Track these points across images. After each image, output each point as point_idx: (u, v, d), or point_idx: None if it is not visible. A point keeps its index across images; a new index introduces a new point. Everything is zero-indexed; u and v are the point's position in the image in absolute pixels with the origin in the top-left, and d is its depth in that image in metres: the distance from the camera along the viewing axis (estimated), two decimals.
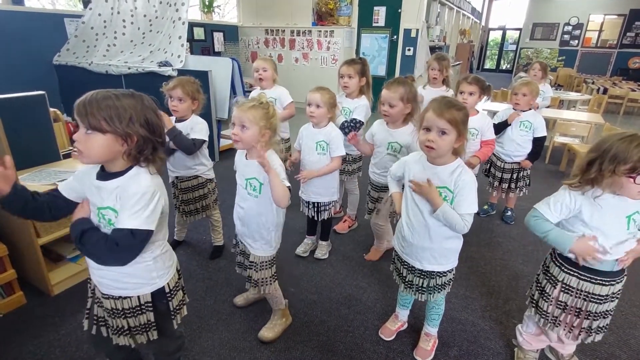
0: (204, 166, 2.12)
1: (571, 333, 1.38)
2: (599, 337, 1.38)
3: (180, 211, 2.20)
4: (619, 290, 1.33)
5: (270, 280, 1.62)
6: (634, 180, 1.13)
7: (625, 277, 1.34)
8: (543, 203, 1.33)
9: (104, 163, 1.05)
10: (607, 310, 1.34)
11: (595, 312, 1.32)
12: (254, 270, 1.58)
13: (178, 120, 2.02)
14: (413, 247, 1.45)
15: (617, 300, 1.35)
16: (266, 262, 1.59)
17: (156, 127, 1.05)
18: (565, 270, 1.34)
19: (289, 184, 1.41)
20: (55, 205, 1.12)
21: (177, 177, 2.12)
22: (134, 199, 1.01)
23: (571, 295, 1.33)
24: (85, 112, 0.96)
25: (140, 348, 1.34)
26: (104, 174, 1.06)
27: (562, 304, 1.36)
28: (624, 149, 1.12)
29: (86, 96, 0.98)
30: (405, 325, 1.81)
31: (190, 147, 1.97)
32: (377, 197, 2.18)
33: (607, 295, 1.30)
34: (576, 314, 1.35)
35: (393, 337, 1.75)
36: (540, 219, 1.31)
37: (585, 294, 1.31)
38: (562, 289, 1.35)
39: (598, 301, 1.31)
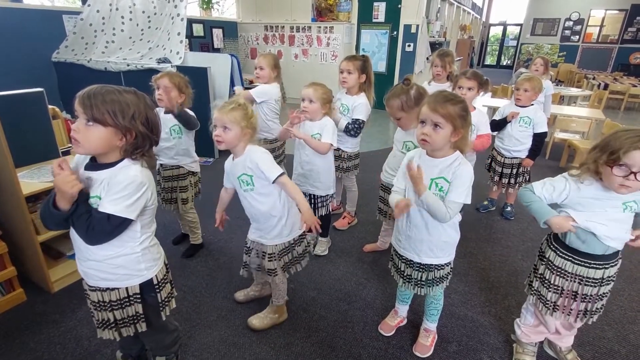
0: (188, 157, 2.14)
1: (569, 315, 1.41)
2: (593, 319, 1.41)
3: (160, 197, 2.19)
4: (615, 273, 1.35)
5: (285, 267, 1.68)
6: (612, 170, 1.15)
7: (620, 260, 1.36)
8: (539, 181, 1.37)
9: (98, 155, 1.07)
10: (602, 293, 1.36)
11: (591, 295, 1.35)
12: (275, 260, 1.63)
13: (166, 113, 2.01)
14: (411, 240, 1.45)
15: (612, 284, 1.37)
16: (284, 249, 1.65)
17: (154, 126, 1.09)
18: (560, 254, 1.36)
19: (282, 170, 1.49)
20: None
21: (161, 165, 2.15)
22: (119, 187, 1.03)
23: (567, 279, 1.36)
24: (90, 103, 0.97)
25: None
26: (95, 165, 1.08)
27: (558, 288, 1.39)
28: (619, 137, 1.15)
29: (90, 89, 1.00)
30: (405, 321, 1.81)
31: (194, 120, 2.05)
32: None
33: (601, 279, 1.33)
34: (573, 297, 1.38)
35: (392, 332, 1.76)
36: (529, 191, 1.36)
37: (580, 277, 1.34)
38: (558, 274, 1.38)
39: (593, 284, 1.34)
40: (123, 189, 1.03)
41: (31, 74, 4.31)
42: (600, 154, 1.18)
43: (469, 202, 1.32)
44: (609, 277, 1.34)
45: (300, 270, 1.75)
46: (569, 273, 1.35)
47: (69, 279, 1.98)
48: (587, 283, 1.34)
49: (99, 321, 1.22)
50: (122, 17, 4.36)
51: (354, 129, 2.31)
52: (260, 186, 1.51)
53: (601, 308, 1.40)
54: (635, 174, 1.11)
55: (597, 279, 1.32)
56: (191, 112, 2.08)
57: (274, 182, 1.48)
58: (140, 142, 1.06)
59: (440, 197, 1.33)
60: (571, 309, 1.39)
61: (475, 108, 2.35)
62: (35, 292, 1.92)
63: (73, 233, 1.13)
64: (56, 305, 1.86)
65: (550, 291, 1.41)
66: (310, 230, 1.58)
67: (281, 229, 1.60)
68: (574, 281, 1.35)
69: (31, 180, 1.91)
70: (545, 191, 1.32)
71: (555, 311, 1.42)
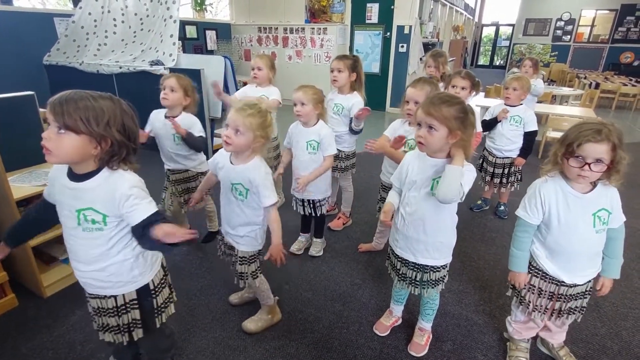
0: (192, 161, 2.17)
1: (545, 315, 1.44)
2: (576, 318, 1.44)
3: (173, 202, 2.25)
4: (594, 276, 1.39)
5: (255, 274, 1.63)
6: (567, 162, 1.20)
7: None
8: (521, 208, 1.38)
9: (72, 164, 1.03)
10: (582, 292, 1.39)
11: (568, 295, 1.38)
12: (246, 264, 1.59)
13: (170, 116, 2.05)
14: (408, 240, 1.46)
15: (592, 282, 1.40)
16: (254, 256, 1.61)
17: (132, 133, 1.04)
18: (540, 259, 1.40)
19: (276, 199, 1.45)
20: (45, 214, 1.15)
21: (169, 169, 2.18)
22: (134, 195, 1.03)
23: (545, 281, 1.39)
24: (62, 110, 0.93)
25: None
26: (76, 175, 1.04)
27: (534, 288, 1.42)
28: (576, 130, 1.18)
29: (62, 94, 0.96)
30: (400, 321, 1.82)
31: (201, 145, 2.08)
32: None
33: (577, 283, 1.37)
34: (549, 297, 1.41)
35: (387, 332, 1.76)
36: (522, 233, 1.39)
37: (558, 280, 1.37)
38: (535, 274, 1.41)
39: (569, 285, 1.37)
40: (138, 194, 1.04)
41: (22, 77, 4.27)
42: (559, 146, 1.22)
43: (466, 191, 1.27)
44: (589, 280, 1.38)
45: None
46: (547, 275, 1.39)
47: (62, 284, 1.96)
48: (563, 284, 1.37)
49: (99, 325, 1.22)
50: (114, 20, 4.34)
51: (357, 125, 2.36)
52: (252, 201, 1.48)
53: (583, 308, 1.42)
54: (589, 164, 1.16)
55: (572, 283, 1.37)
56: (200, 131, 2.08)
57: (264, 207, 1.47)
58: (117, 150, 1.01)
59: None
60: (554, 309, 1.42)
61: None
62: (27, 297, 1.90)
63: (66, 246, 1.11)
64: (49, 310, 1.84)
65: (528, 292, 1.44)
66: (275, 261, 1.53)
67: (255, 236, 1.57)
68: (551, 282, 1.38)
69: (22, 184, 1.89)
70: (532, 213, 1.34)
71: (534, 311, 1.45)
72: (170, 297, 1.31)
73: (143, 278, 1.18)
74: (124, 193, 1.02)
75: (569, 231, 1.28)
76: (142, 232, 1.04)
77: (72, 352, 1.61)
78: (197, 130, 2.07)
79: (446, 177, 1.24)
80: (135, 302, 1.19)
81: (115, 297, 1.16)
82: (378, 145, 1.81)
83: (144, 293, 1.20)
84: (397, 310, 1.80)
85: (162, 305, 1.26)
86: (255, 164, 1.45)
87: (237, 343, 1.69)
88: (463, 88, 2.28)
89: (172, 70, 3.75)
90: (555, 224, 1.30)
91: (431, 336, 1.71)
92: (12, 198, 1.71)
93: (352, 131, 2.38)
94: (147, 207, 1.04)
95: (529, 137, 2.64)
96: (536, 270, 1.41)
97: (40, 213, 1.17)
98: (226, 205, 1.56)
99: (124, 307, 1.17)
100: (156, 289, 1.23)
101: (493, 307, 1.95)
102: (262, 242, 1.61)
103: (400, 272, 1.55)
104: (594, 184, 1.25)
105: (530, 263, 1.43)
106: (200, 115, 3.68)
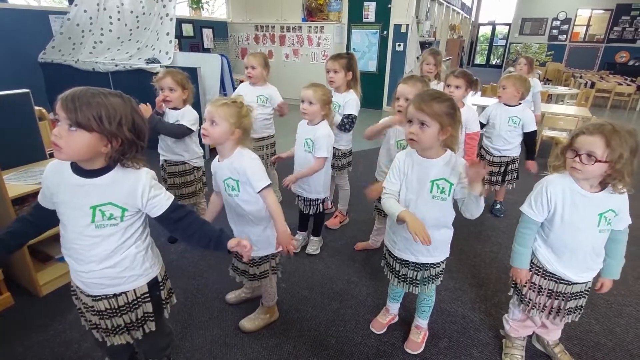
0: (192, 153, 2.19)
1: (543, 313, 1.45)
2: (574, 318, 1.45)
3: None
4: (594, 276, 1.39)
5: (266, 274, 1.63)
6: (565, 154, 1.24)
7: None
8: (526, 204, 1.39)
9: (81, 161, 1.01)
10: (580, 292, 1.40)
11: (566, 293, 1.39)
12: (256, 266, 1.59)
13: (172, 109, 2.09)
14: (407, 241, 1.45)
15: (590, 282, 1.41)
16: (264, 257, 1.60)
17: (141, 131, 1.04)
18: (540, 255, 1.41)
19: (269, 182, 1.43)
20: (41, 220, 1.12)
21: (165, 160, 2.19)
22: (155, 186, 1.09)
23: (545, 278, 1.41)
24: (74, 107, 0.91)
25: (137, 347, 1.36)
26: (86, 171, 1.02)
27: (535, 286, 1.43)
28: (580, 129, 1.21)
29: (74, 91, 0.94)
30: (396, 319, 1.82)
31: (175, 130, 2.06)
32: None
33: (577, 281, 1.38)
34: (548, 295, 1.42)
35: (384, 330, 1.77)
36: (525, 229, 1.40)
37: (557, 277, 1.38)
38: (536, 272, 1.42)
39: (567, 282, 1.38)
40: (155, 187, 1.08)
41: (17, 74, 4.23)
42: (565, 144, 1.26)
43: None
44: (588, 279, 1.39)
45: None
46: (548, 273, 1.40)
47: (58, 282, 1.96)
48: (561, 282, 1.38)
49: (109, 329, 1.18)
50: (110, 17, 4.32)
51: (348, 123, 2.34)
52: (246, 193, 1.46)
53: (581, 307, 1.43)
54: (580, 156, 1.18)
55: (573, 280, 1.38)
56: (189, 122, 2.09)
57: (258, 192, 1.43)
58: (127, 149, 1.01)
59: (441, 198, 1.34)
60: (551, 308, 1.43)
61: (464, 104, 2.37)
62: (23, 296, 1.89)
63: (70, 248, 1.09)
64: (45, 308, 1.83)
65: (528, 289, 1.45)
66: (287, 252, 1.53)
67: (268, 237, 1.55)
68: (551, 280, 1.39)
69: (17, 182, 1.88)
70: (537, 211, 1.34)
71: (533, 308, 1.46)
72: (171, 289, 1.33)
73: (153, 270, 1.19)
74: (146, 185, 1.06)
75: (572, 229, 1.29)
76: (171, 220, 1.11)
77: (68, 351, 1.61)
78: (185, 118, 2.09)
79: (475, 208, 1.32)
80: (147, 295, 1.19)
81: (126, 293, 1.14)
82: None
83: (154, 286, 1.21)
84: (393, 308, 1.81)
85: (167, 297, 1.28)
86: (238, 152, 1.44)
87: (234, 341, 1.69)
88: (457, 87, 2.29)
89: (168, 68, 3.74)
90: (558, 222, 1.30)
91: (427, 333, 1.72)
92: (8, 196, 1.70)
93: (341, 126, 2.35)
94: (167, 196, 1.11)
95: (530, 137, 2.62)
96: (537, 268, 1.42)
97: (36, 218, 1.12)
98: (230, 211, 1.55)
99: (135, 301, 1.17)
100: (163, 281, 1.25)
101: (489, 304, 1.96)
102: (274, 243, 1.54)
103: (401, 274, 1.55)
104: (603, 185, 1.25)
105: (531, 260, 1.43)
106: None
